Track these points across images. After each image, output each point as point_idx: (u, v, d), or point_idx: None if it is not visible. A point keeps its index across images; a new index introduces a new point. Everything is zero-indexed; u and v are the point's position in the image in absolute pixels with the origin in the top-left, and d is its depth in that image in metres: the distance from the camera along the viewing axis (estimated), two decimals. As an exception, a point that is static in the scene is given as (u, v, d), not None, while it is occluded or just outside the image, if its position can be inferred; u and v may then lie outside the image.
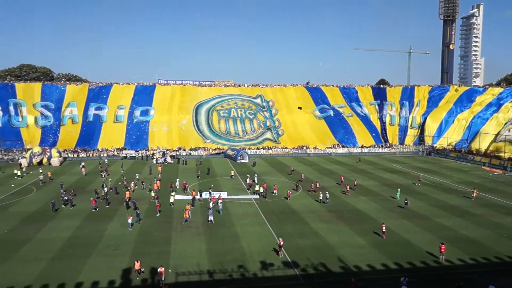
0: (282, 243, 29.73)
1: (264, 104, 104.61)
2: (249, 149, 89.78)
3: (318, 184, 52.36)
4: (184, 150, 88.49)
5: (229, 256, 29.41)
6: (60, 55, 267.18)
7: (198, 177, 61.68)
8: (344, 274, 26.55)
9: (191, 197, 45.06)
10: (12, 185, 55.21)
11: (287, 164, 75.22)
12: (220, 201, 42.22)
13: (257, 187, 50.92)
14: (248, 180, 56.58)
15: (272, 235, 34.31)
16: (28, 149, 79.97)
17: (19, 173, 62.52)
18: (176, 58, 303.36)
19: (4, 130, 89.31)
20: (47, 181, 58.64)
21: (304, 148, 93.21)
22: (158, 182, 53.37)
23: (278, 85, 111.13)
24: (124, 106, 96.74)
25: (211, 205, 40.76)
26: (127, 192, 47.02)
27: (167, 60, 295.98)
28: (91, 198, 44.06)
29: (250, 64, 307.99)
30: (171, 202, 44.17)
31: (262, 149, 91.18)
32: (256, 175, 59.25)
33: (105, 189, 49.44)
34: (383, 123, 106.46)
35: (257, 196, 48.38)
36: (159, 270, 24.80)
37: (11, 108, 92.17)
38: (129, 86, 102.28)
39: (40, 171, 63.42)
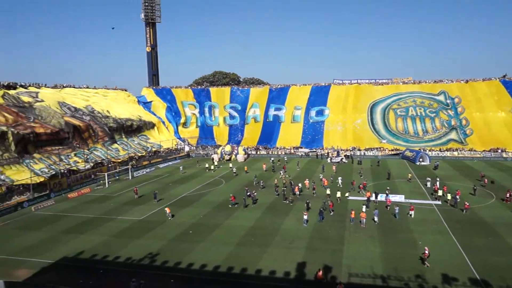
0: (427, 252, 27.04)
1: (448, 101, 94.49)
2: (430, 150, 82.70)
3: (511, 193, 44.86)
4: (359, 150, 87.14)
5: (405, 264, 27.69)
6: (246, 61, 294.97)
7: (361, 176, 60.67)
8: (552, 304, 22.06)
9: (365, 198, 44.22)
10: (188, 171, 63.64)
11: (475, 169, 66.47)
12: (412, 211, 39.15)
13: (440, 192, 46.50)
14: (428, 184, 52.49)
15: (456, 246, 30.87)
16: (219, 146, 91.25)
17: (212, 167, 71.78)
18: (351, 57, 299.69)
19: (201, 128, 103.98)
20: (239, 174, 66.01)
21: (499, 151, 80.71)
22: (325, 179, 54.99)
23: (467, 80, 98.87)
24: (301, 106, 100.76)
25: (364, 209, 39.27)
26: (296, 187, 49.18)
27: (342, 60, 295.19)
28: (231, 195, 47.13)
29: (431, 59, 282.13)
30: (338, 197, 45.39)
31: (445, 151, 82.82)
32: (438, 179, 54.20)
33: (299, 185, 51.23)
34: None
35: (439, 202, 44.24)
36: (338, 287, 23.70)
37: (207, 109, 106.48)
38: (305, 87, 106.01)
39: (230, 165, 71.95)
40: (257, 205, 44.76)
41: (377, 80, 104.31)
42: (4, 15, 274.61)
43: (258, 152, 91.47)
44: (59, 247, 33.22)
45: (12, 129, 56.52)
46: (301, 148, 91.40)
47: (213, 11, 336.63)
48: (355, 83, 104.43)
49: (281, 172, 64.53)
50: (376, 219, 37.17)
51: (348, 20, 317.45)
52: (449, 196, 44.30)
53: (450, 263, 27.63)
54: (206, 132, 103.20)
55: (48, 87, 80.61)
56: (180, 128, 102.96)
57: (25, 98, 67.97)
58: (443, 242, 31.97)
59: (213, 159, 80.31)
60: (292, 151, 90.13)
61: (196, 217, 40.96)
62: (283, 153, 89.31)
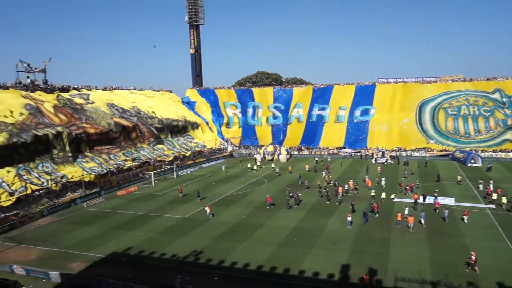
0: (474, 258, 25.77)
1: (504, 99, 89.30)
2: (482, 151, 78.65)
3: None
4: (405, 150, 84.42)
5: (457, 270, 26.46)
6: (288, 61, 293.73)
7: (405, 177, 58.96)
8: None
9: (412, 200, 42.77)
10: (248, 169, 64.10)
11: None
12: (466, 216, 36.64)
13: (494, 196, 43.96)
14: (480, 187, 49.92)
15: (512, 253, 29.18)
16: (262, 146, 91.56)
17: (254, 167, 72.08)
18: (396, 55, 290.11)
19: (243, 128, 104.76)
20: (282, 174, 65.98)
21: (560, 152, 75.30)
22: (368, 180, 53.74)
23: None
24: (345, 106, 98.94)
25: (406, 211, 38.09)
26: (340, 188, 48.28)
27: (387, 58, 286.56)
28: (267, 196, 46.73)
29: (483, 55, 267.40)
30: (382, 198, 44.33)
31: (499, 152, 78.42)
32: (491, 181, 51.39)
33: (346, 186, 50.71)
34: None
35: (493, 206, 41.93)
36: None
37: (250, 109, 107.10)
38: (349, 86, 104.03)
39: (273, 165, 71.91)
40: (300, 206, 44.46)
41: (424, 78, 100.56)
42: (57, 22, 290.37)
43: (301, 152, 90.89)
44: (109, 243, 34.66)
45: (67, 130, 59.58)
46: (345, 148, 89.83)
47: (255, 12, 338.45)
48: (401, 81, 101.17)
49: (323, 172, 63.54)
50: (422, 221, 35.90)
51: (389, 18, 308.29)
52: (504, 200, 41.93)
53: (506, 271, 26.12)
54: (249, 132, 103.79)
55: (98, 89, 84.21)
56: (223, 128, 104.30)
57: (77, 100, 71.42)
58: (498, 248, 30.33)
59: (255, 159, 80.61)
60: (335, 151, 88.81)
61: (239, 217, 41.32)
62: (326, 153, 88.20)
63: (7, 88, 63.06)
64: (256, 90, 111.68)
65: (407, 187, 49.75)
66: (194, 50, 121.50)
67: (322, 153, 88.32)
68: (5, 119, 53.79)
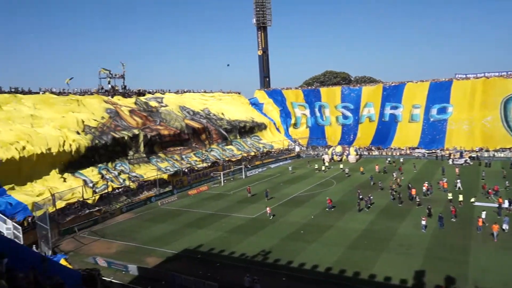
0: None
1: None
2: None
3: None
4: (487, 150, 78.14)
5: (549, 282, 23.97)
6: (357, 59, 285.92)
7: (482, 179, 54.14)
8: None
9: (495, 205, 39.46)
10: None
11: None
12: None
13: None
14: None
15: None
16: (330, 146, 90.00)
17: (322, 168, 71.00)
18: (475, 49, 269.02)
19: (311, 129, 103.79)
20: (352, 174, 64.31)
21: None
22: (444, 182, 50.38)
23: None
24: (419, 105, 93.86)
25: (483, 215, 35.15)
26: (413, 190, 45.94)
27: (464, 53, 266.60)
28: (327, 198, 45.24)
29: None
30: (460, 201, 41.66)
31: None
32: None
33: (423, 188, 48.30)
34: None
35: None
36: None
37: (316, 110, 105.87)
38: (422, 83, 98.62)
39: (341, 166, 70.30)
40: (371, 208, 43.00)
41: (509, 73, 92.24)
42: (131, 27, 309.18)
43: (371, 153, 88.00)
44: (181, 240, 36.16)
45: (142, 132, 63.19)
46: (418, 148, 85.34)
47: (322, 12, 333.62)
48: (481, 76, 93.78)
49: (394, 173, 60.41)
50: (506, 227, 32.84)
51: (465, 10, 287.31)
52: None
53: None
54: (317, 132, 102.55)
55: (171, 92, 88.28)
56: (290, 129, 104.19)
57: (152, 103, 75.46)
58: None
59: (323, 159, 79.45)
60: (408, 151, 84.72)
61: (307, 218, 40.95)
62: (398, 154, 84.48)
63: (92, 94, 68.42)
64: (323, 90, 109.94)
65: (490, 190, 45.92)
66: (261, 52, 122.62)
67: (394, 154, 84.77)
68: (89, 123, 58.29)
